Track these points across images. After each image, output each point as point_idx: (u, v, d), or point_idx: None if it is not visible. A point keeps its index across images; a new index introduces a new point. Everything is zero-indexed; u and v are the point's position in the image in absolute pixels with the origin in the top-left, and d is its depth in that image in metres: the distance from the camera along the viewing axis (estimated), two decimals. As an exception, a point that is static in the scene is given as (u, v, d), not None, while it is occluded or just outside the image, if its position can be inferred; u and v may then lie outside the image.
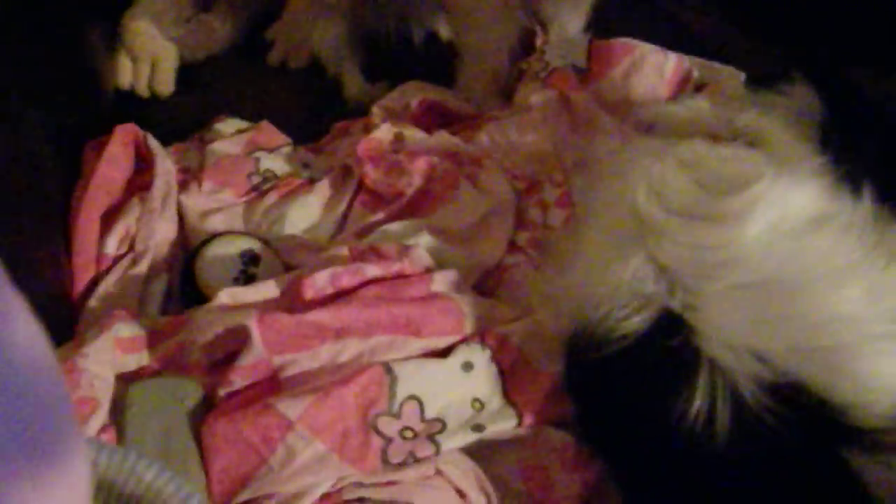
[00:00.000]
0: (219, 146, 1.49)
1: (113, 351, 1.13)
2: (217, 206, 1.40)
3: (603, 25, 1.71)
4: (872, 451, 0.91)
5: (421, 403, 1.09)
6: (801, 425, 0.93)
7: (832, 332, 0.96)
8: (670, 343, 0.99)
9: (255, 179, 1.44)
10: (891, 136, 1.20)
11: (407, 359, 1.13)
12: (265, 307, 1.18)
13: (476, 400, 1.12)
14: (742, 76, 1.55)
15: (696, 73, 1.56)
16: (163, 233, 1.34)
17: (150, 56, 1.70)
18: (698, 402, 0.95)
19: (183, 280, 1.32)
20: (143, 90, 1.70)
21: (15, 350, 0.55)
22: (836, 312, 0.97)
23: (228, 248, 1.31)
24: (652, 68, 1.52)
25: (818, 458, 0.93)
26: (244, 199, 1.43)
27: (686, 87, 1.54)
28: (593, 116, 1.48)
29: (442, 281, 1.21)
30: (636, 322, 1.01)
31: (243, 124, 1.57)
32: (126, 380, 1.12)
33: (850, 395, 0.92)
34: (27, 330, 0.57)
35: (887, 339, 0.95)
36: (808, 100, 1.23)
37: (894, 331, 0.95)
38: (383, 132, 1.47)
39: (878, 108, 1.26)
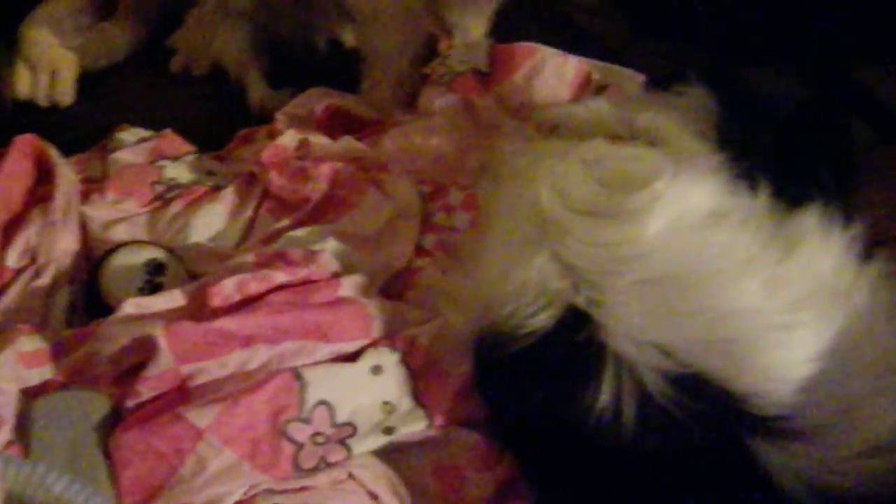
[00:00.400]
0: (121, 155, 1.47)
1: (16, 365, 1.11)
2: (120, 215, 1.39)
3: (504, 30, 1.73)
4: (773, 438, 0.94)
5: (331, 408, 1.09)
6: (704, 415, 0.95)
7: (732, 324, 0.98)
8: (576, 338, 1.01)
9: (159, 188, 1.43)
10: (784, 132, 1.23)
11: (316, 364, 1.13)
12: (172, 316, 1.17)
13: (386, 403, 1.12)
14: (640, 78, 1.58)
15: (596, 76, 1.59)
16: (65, 244, 1.32)
17: (49, 65, 1.68)
18: (605, 396, 0.96)
19: (87, 291, 1.30)
20: (42, 100, 1.68)
21: None
22: (736, 305, 0.99)
23: (133, 258, 1.29)
24: (553, 71, 1.55)
25: (722, 446, 0.95)
26: (148, 208, 1.41)
27: (586, 89, 1.56)
28: (496, 119, 1.50)
29: (349, 286, 1.21)
30: (542, 319, 1.02)
31: (146, 133, 1.55)
32: (31, 394, 1.10)
33: (751, 385, 0.95)
34: None
35: (784, 329, 0.97)
36: (704, 99, 1.26)
37: (791, 321, 0.98)
38: (288, 138, 1.47)
39: (771, 106, 1.29)
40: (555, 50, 1.58)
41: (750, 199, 1.10)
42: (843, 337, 0.98)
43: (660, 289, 1.01)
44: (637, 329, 0.98)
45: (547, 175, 1.14)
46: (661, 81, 1.37)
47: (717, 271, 1.02)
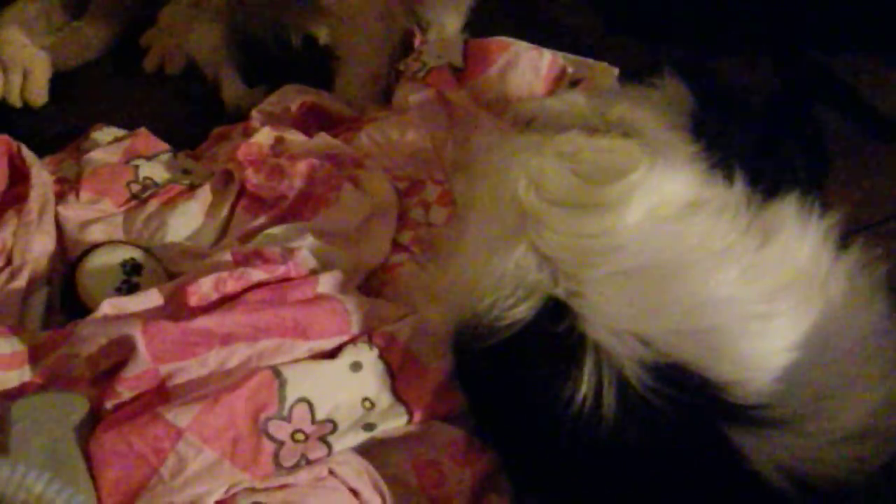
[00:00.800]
0: (96, 155, 1.47)
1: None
2: (96, 216, 1.38)
3: (479, 25, 1.73)
4: (752, 427, 0.95)
5: (311, 405, 1.09)
6: (684, 404, 0.96)
7: (710, 314, 0.99)
8: (556, 329, 1.01)
9: (135, 188, 1.42)
10: (758, 122, 1.24)
11: (295, 361, 1.13)
12: (149, 316, 1.16)
13: (366, 399, 1.12)
14: (615, 71, 1.59)
15: (570, 70, 1.59)
16: (41, 245, 1.32)
17: (21, 65, 1.67)
18: (584, 387, 0.97)
19: (64, 292, 1.29)
20: (15, 100, 1.67)
21: None
22: (714, 294, 1.00)
23: (109, 258, 1.29)
24: (527, 65, 1.55)
25: (701, 435, 0.95)
26: (124, 207, 1.41)
27: (561, 82, 1.56)
28: (471, 114, 1.49)
29: (327, 283, 1.21)
30: (521, 310, 1.03)
31: (120, 132, 1.55)
32: (9, 397, 1.09)
33: (729, 374, 0.96)
34: None
35: (762, 318, 0.98)
36: (679, 91, 1.27)
37: (768, 310, 0.99)
38: (263, 136, 1.46)
39: (745, 97, 1.30)
40: (529, 44, 1.58)
41: (726, 190, 1.11)
42: (819, 326, 0.99)
43: (638, 279, 1.01)
44: (616, 319, 0.99)
45: (523, 168, 1.14)
46: (635, 75, 1.38)
47: (695, 261, 1.02)
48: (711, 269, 1.01)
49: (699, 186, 1.10)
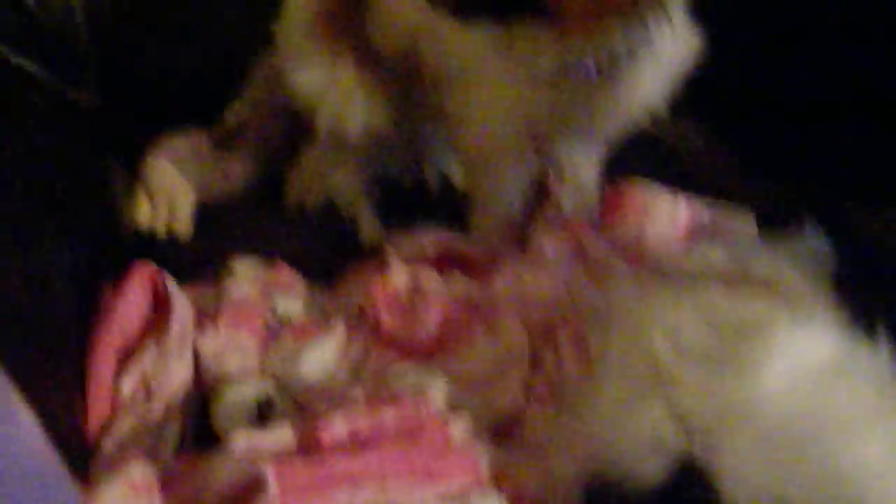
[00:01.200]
0: (234, 286, 1.50)
1: (126, 494, 1.12)
2: (232, 347, 1.40)
3: (614, 170, 1.73)
4: None
5: (437, 553, 1.08)
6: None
7: (851, 485, 0.95)
8: (691, 491, 0.99)
9: (271, 321, 1.45)
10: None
11: (423, 506, 1.12)
12: (280, 452, 1.17)
13: (493, 548, 1.10)
14: (752, 218, 1.57)
15: (707, 217, 1.58)
16: (178, 374, 1.34)
17: (167, 195, 1.72)
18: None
19: (198, 423, 1.31)
20: (160, 230, 1.72)
21: (20, 447, 0.55)
22: (856, 465, 0.96)
23: (244, 392, 1.30)
24: (665, 213, 1.54)
25: None
26: (259, 340, 1.43)
27: (699, 231, 1.55)
28: (607, 262, 1.49)
29: (457, 427, 1.21)
30: (654, 469, 1.01)
31: (259, 264, 1.58)
32: (138, 524, 1.11)
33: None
34: (31, 434, 0.58)
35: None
36: (819, 242, 1.25)
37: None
38: (398, 275, 1.48)
39: (889, 255, 1.28)
40: (665, 190, 1.58)
41: (869, 351, 1.07)
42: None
43: (777, 444, 0.98)
44: (753, 483, 0.96)
45: (659, 321, 1.13)
46: (773, 222, 1.36)
47: (837, 427, 0.99)
48: (853, 437, 0.98)
49: (841, 347, 1.07)
